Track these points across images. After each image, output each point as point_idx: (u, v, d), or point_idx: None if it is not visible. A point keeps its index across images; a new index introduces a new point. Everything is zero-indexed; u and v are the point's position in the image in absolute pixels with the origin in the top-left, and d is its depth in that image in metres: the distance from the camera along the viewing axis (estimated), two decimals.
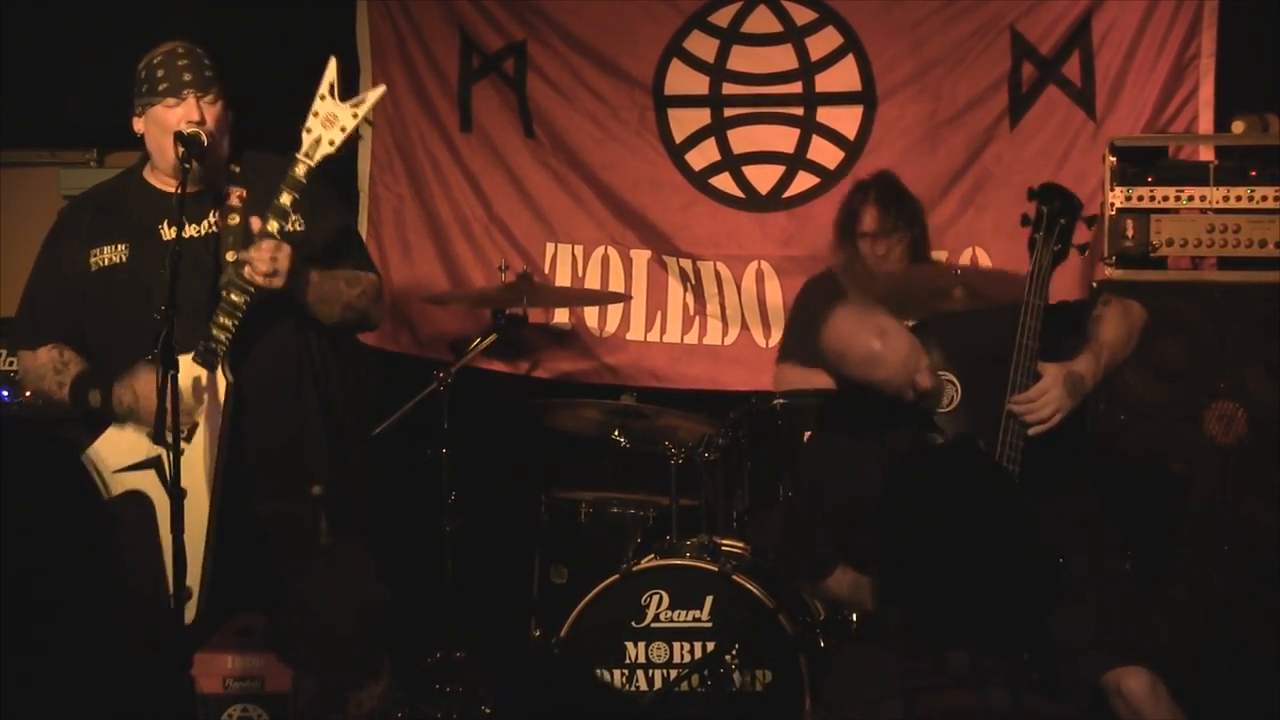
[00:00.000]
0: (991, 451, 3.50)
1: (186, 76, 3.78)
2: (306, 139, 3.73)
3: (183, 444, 3.69)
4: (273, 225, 3.69)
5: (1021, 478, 3.45)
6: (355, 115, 3.74)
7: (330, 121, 3.72)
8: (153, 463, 3.74)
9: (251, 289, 3.70)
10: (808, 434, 4.52)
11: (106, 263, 3.87)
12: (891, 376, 3.60)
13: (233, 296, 3.70)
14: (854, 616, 4.51)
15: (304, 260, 3.76)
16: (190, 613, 3.62)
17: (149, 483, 3.75)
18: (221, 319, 3.71)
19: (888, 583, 2.46)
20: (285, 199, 3.70)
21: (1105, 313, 3.76)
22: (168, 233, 3.78)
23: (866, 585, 3.76)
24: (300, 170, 3.71)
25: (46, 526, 1.90)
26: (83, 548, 1.91)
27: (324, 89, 3.74)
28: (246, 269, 3.68)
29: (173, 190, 3.73)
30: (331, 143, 3.73)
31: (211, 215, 3.85)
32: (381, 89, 3.88)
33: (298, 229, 3.83)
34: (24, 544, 1.87)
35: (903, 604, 2.43)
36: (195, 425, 3.72)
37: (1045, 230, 3.62)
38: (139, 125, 3.86)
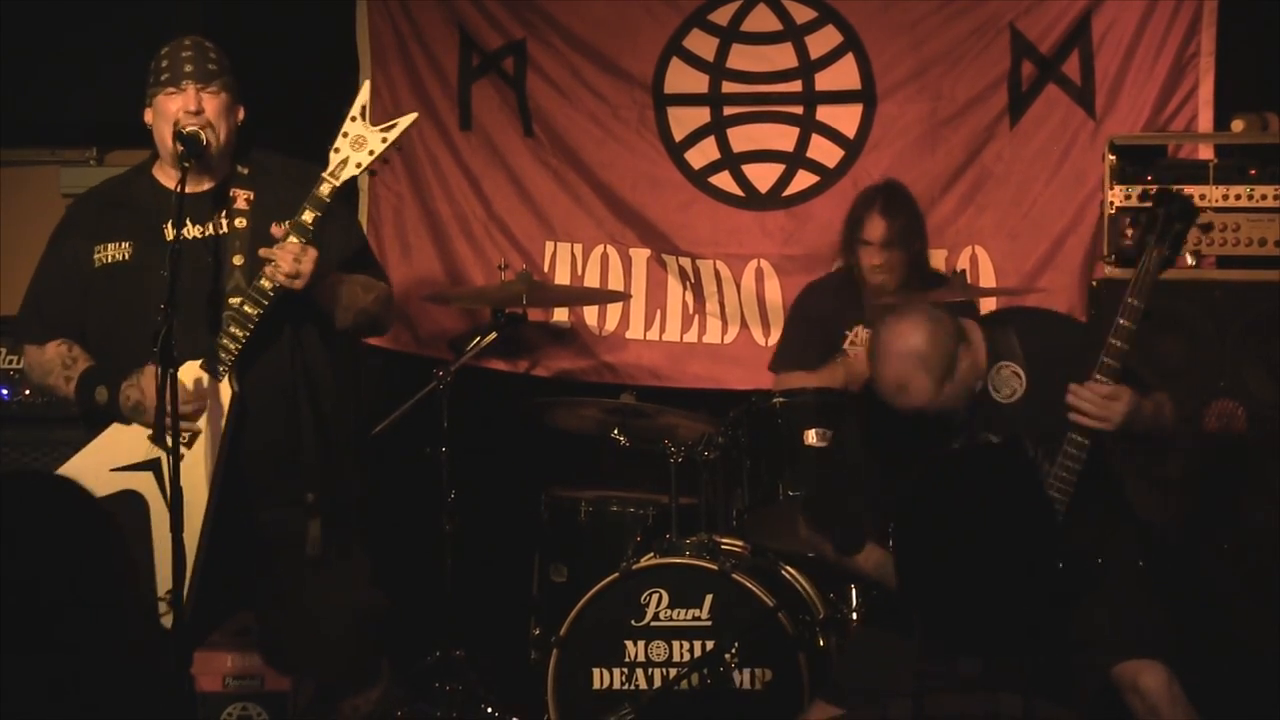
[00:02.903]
0: (1051, 456, 3.49)
1: (188, 68, 3.79)
2: (334, 158, 3.74)
3: (183, 449, 3.70)
4: (293, 241, 3.69)
5: (1081, 476, 3.45)
6: (385, 140, 3.75)
7: (359, 144, 3.74)
8: (151, 464, 3.74)
9: (266, 301, 3.69)
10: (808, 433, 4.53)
11: (110, 260, 3.87)
12: (911, 403, 3.62)
13: (246, 308, 3.70)
14: (854, 616, 4.52)
15: (325, 265, 3.77)
16: (170, 618, 3.61)
17: (145, 484, 3.74)
18: (232, 329, 3.71)
19: (907, 583, 2.46)
20: (308, 216, 3.70)
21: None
22: (171, 232, 3.78)
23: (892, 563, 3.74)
24: (325, 189, 3.72)
25: (52, 547, 1.92)
26: (88, 562, 1.93)
27: (355, 111, 3.76)
28: (268, 268, 3.68)
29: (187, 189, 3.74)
30: (358, 165, 3.74)
31: (217, 216, 3.85)
32: (413, 116, 3.85)
33: (314, 231, 3.83)
34: (29, 560, 1.89)
35: (921, 604, 2.42)
36: (198, 432, 3.72)
37: (1159, 233, 3.54)
38: (148, 117, 3.87)
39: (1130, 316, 3.50)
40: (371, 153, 3.75)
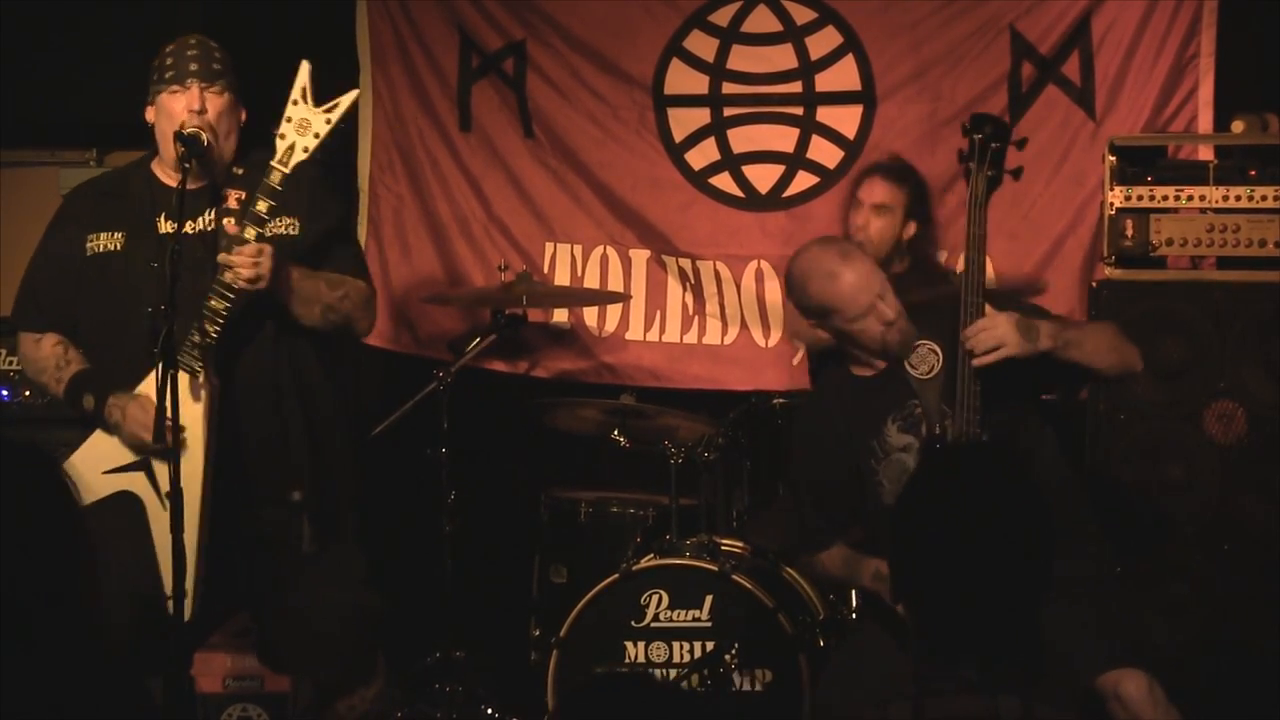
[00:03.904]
0: (953, 412, 3.57)
1: (193, 66, 3.79)
2: (280, 145, 3.71)
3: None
4: (250, 233, 3.68)
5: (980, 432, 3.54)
6: (329, 121, 3.73)
7: (304, 127, 3.71)
8: (143, 464, 3.74)
9: (231, 294, 3.68)
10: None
11: (102, 249, 3.87)
12: (851, 295, 3.66)
13: (212, 302, 3.68)
14: (853, 617, 4.52)
15: (286, 259, 3.75)
16: (186, 612, 3.61)
17: (139, 484, 3.74)
18: (204, 324, 3.70)
19: (902, 585, 2.45)
20: (261, 206, 3.69)
21: (1096, 321, 3.82)
22: (164, 226, 3.78)
23: (857, 562, 3.78)
24: (275, 177, 3.70)
25: (19, 532, 1.90)
26: (57, 552, 1.92)
27: (296, 94, 3.73)
28: (228, 274, 3.67)
29: (175, 184, 3.73)
30: (305, 149, 3.72)
31: (209, 213, 3.85)
32: (355, 93, 3.84)
33: (292, 233, 3.84)
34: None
35: (916, 607, 2.42)
36: (184, 429, 3.72)
37: (978, 158, 3.69)
38: (150, 114, 3.88)
39: (976, 247, 3.64)
40: (317, 135, 3.72)
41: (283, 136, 3.72)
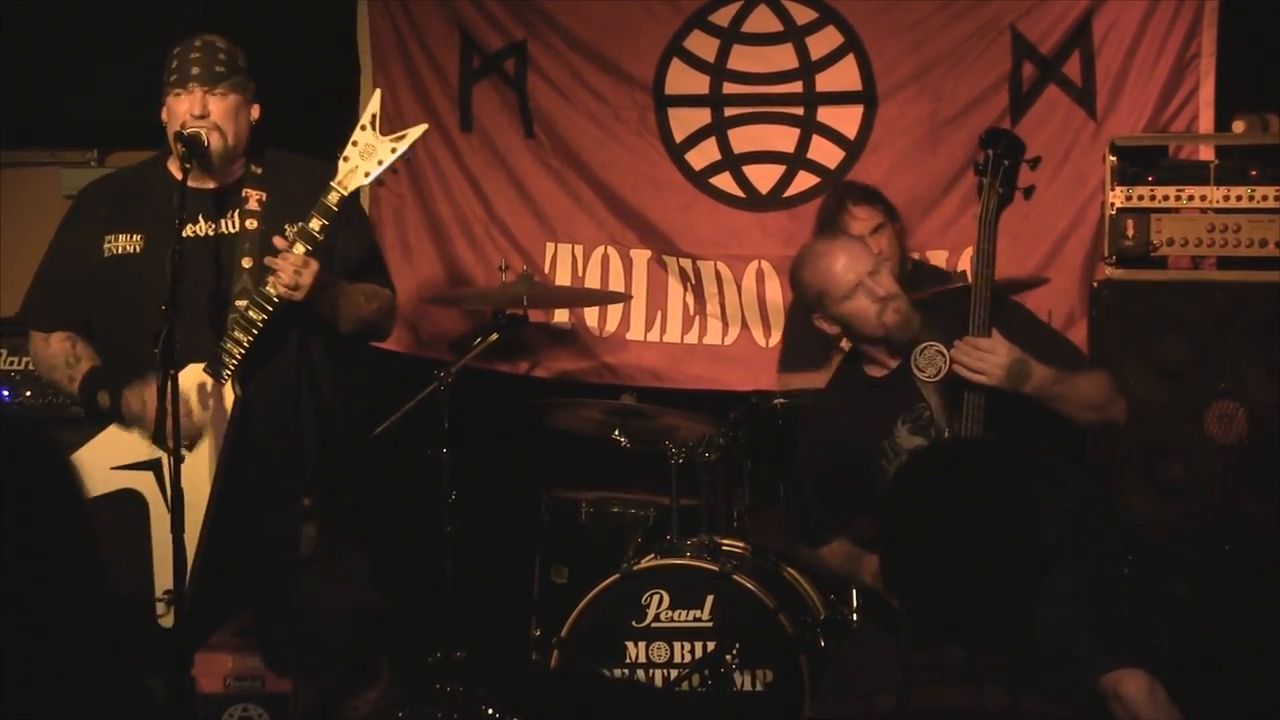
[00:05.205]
0: (959, 416, 3.57)
1: (195, 70, 3.80)
2: (343, 167, 3.74)
3: (185, 451, 3.70)
4: (299, 249, 3.69)
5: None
6: (394, 150, 3.75)
7: (369, 153, 3.74)
8: (152, 464, 3.74)
9: (270, 306, 3.70)
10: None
11: (120, 251, 3.86)
12: (840, 272, 3.70)
13: (250, 313, 3.71)
14: (854, 617, 4.52)
15: (327, 275, 3.77)
16: (169, 618, 3.62)
17: (145, 483, 3.75)
18: (236, 333, 3.71)
19: (892, 575, 2.46)
20: (315, 224, 3.70)
21: (1096, 371, 3.82)
22: (188, 229, 3.78)
23: (859, 558, 3.78)
24: (333, 198, 3.72)
25: (26, 525, 1.90)
26: (63, 545, 1.92)
27: (366, 120, 3.76)
28: (270, 277, 3.68)
29: (194, 185, 3.74)
30: (367, 174, 3.74)
31: (229, 215, 3.85)
32: (423, 127, 3.85)
33: (322, 239, 3.84)
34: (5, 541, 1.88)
35: (905, 597, 2.43)
36: (201, 434, 3.72)
37: (990, 173, 3.68)
38: (163, 115, 3.88)
39: (986, 262, 3.61)
40: (380, 162, 3.75)
41: (346, 159, 3.75)
